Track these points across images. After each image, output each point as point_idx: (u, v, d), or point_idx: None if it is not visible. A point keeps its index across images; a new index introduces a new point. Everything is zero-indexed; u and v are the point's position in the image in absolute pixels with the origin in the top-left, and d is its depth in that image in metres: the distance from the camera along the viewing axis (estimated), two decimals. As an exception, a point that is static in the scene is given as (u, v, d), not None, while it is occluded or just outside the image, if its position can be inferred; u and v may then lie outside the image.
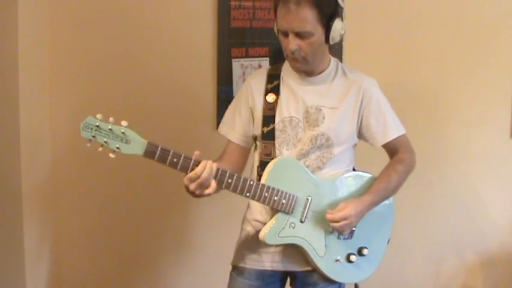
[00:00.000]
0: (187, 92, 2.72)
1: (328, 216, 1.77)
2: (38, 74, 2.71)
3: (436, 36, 2.57)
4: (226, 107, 2.64)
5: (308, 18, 1.72)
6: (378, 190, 1.86)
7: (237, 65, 2.65)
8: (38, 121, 2.71)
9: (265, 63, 2.64)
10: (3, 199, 2.59)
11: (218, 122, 2.66)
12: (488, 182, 2.61)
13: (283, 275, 1.94)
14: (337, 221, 1.76)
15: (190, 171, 1.66)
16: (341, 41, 2.54)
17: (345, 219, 1.76)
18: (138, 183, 2.76)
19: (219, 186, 1.72)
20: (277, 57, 2.61)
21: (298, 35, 1.74)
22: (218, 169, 1.70)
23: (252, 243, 1.89)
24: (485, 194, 2.62)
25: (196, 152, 1.69)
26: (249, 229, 1.94)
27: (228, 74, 2.66)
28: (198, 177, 1.66)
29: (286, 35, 1.76)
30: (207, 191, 1.70)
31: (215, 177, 1.69)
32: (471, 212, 2.63)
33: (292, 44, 1.75)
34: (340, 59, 2.54)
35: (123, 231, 2.83)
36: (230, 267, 2.01)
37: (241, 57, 2.65)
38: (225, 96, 2.66)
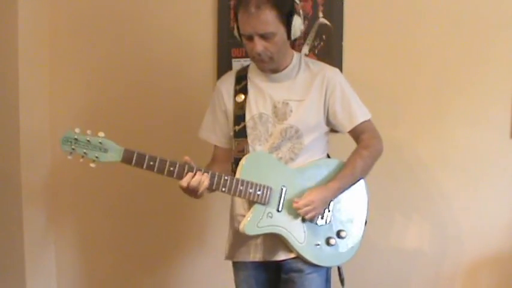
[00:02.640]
0: (187, 92, 2.72)
1: (294, 205, 1.87)
2: (38, 74, 2.71)
3: (435, 36, 2.57)
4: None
5: (269, 19, 1.81)
6: (344, 176, 1.93)
7: (237, 65, 2.64)
8: (38, 121, 2.72)
9: (265, 63, 2.63)
10: (3, 199, 2.59)
11: (218, 122, 2.68)
12: (488, 182, 2.60)
13: (273, 264, 2.00)
14: (301, 208, 1.86)
15: (167, 173, 1.79)
16: (341, 41, 2.56)
17: (308, 205, 1.86)
18: (139, 183, 2.76)
19: None
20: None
21: (263, 36, 1.83)
22: (193, 167, 1.81)
23: (241, 238, 1.97)
24: (484, 194, 2.61)
25: (186, 158, 1.82)
26: (236, 224, 2.00)
27: (228, 74, 2.66)
28: (186, 187, 1.80)
29: (250, 38, 1.85)
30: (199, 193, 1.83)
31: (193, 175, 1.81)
32: (470, 212, 2.62)
33: (258, 46, 1.84)
34: (340, 59, 2.54)
35: (123, 231, 2.83)
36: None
37: (241, 57, 2.64)
38: (225, 96, 2.66)
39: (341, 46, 2.57)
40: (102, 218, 2.83)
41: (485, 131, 2.57)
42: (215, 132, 2.07)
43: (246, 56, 2.63)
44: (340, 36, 2.55)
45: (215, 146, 2.10)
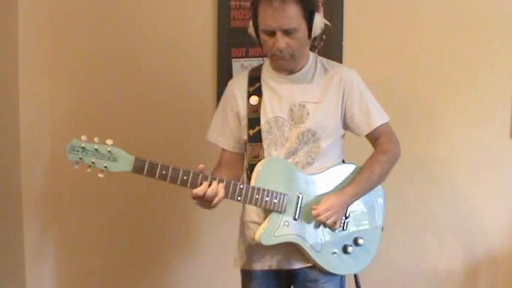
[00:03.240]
0: (187, 92, 2.72)
1: (313, 212, 1.81)
2: (38, 74, 2.71)
3: (436, 36, 2.57)
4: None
5: (294, 14, 1.76)
6: (361, 181, 1.88)
7: (237, 65, 2.65)
8: (38, 121, 2.71)
9: (265, 63, 2.63)
10: (3, 199, 2.59)
11: (218, 122, 2.68)
12: (488, 182, 2.61)
13: (287, 273, 1.95)
14: (321, 214, 1.80)
15: (181, 183, 1.70)
16: (341, 40, 2.56)
17: (328, 210, 1.80)
18: (138, 183, 2.75)
19: None
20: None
21: (286, 32, 1.77)
22: (207, 177, 1.73)
23: (252, 246, 1.90)
24: (485, 194, 2.61)
25: (200, 166, 1.73)
26: (248, 232, 1.94)
27: (228, 74, 2.65)
28: (202, 197, 1.72)
29: (271, 34, 1.79)
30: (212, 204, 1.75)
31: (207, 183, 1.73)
32: (471, 212, 2.63)
33: (280, 41, 1.78)
34: (340, 59, 2.54)
35: (123, 231, 2.82)
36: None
37: (241, 57, 2.64)
38: (225, 97, 2.66)
39: (341, 46, 2.57)
40: (102, 218, 2.83)
41: (485, 131, 2.58)
42: (225, 135, 1.98)
43: (246, 56, 2.64)
44: (340, 36, 2.55)
45: (223, 149, 2.01)
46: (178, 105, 2.73)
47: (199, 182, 1.71)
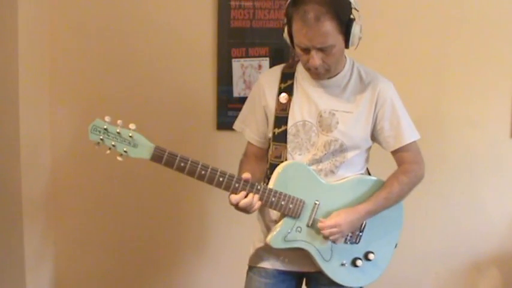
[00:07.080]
0: (187, 92, 2.72)
1: (319, 224, 1.79)
2: (38, 74, 2.71)
3: (435, 36, 2.57)
4: (226, 107, 2.67)
5: (329, 31, 1.68)
6: (377, 199, 1.83)
7: (237, 65, 2.65)
8: (38, 122, 2.71)
9: (265, 63, 2.63)
10: (3, 200, 2.59)
11: (218, 122, 2.68)
12: (488, 182, 2.61)
13: (299, 274, 1.94)
14: (326, 229, 1.77)
15: (198, 176, 1.69)
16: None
17: (334, 227, 1.77)
18: (139, 183, 2.76)
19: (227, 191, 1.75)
20: (277, 57, 2.62)
21: (321, 49, 1.71)
22: (225, 173, 1.71)
23: (266, 244, 1.86)
24: (485, 194, 2.61)
25: (246, 175, 1.73)
26: (264, 229, 1.92)
27: (228, 74, 2.66)
28: (237, 204, 1.72)
29: (306, 50, 1.72)
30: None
31: (222, 183, 1.71)
32: (471, 212, 2.63)
33: (315, 59, 1.71)
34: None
35: (123, 232, 2.82)
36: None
37: (241, 57, 2.64)
38: (225, 96, 2.66)
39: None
40: (103, 218, 2.83)
41: (485, 131, 2.58)
42: (250, 126, 1.93)
43: (246, 56, 2.64)
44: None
45: (248, 142, 1.96)
46: (178, 105, 2.73)
47: (216, 177, 1.69)
